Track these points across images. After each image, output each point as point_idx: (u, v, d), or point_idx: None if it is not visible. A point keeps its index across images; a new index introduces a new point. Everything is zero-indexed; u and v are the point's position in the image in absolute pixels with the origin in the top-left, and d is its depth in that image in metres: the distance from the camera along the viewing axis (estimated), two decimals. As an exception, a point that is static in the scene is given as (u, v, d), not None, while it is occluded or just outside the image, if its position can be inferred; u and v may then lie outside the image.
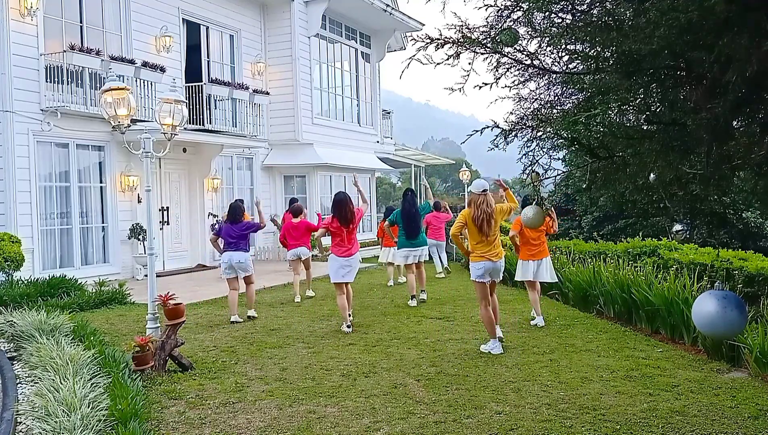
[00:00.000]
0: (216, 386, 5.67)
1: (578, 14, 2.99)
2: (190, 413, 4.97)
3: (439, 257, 13.68)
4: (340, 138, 19.33)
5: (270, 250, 17.48)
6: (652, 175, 3.18)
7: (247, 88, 16.40)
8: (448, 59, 3.04)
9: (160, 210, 14.81)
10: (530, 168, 3.39)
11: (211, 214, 15.05)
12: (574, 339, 7.25)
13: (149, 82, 13.47)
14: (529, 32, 3.09)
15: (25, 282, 10.11)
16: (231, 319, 8.66)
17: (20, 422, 4.64)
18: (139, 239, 13.38)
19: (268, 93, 17.46)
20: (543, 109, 3.34)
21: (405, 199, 10.20)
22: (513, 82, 3.25)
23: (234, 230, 8.86)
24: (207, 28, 16.22)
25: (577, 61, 3.17)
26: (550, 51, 3.17)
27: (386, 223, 10.96)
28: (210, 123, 15.36)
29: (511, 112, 3.40)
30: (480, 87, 3.15)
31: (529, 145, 3.33)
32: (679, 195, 3.40)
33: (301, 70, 17.68)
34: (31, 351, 6.22)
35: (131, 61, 13.17)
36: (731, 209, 17.10)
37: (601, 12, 2.91)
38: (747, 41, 2.42)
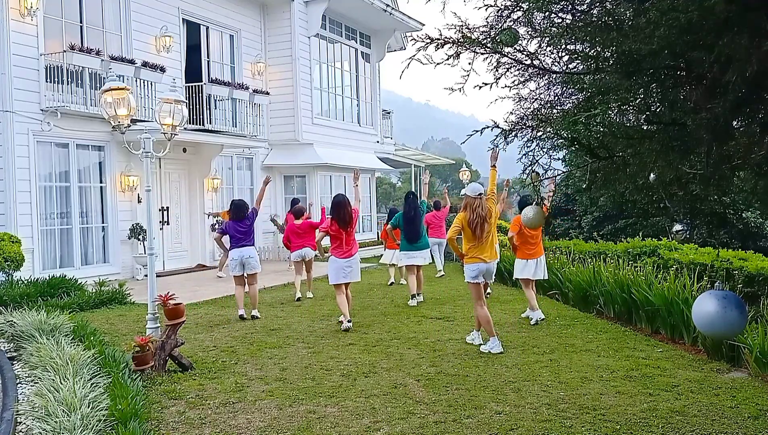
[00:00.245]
0: (216, 386, 5.67)
1: (578, 14, 2.99)
2: (190, 413, 4.97)
3: (440, 256, 13.71)
4: (340, 138, 19.33)
5: (270, 250, 17.48)
6: (652, 175, 3.18)
7: (247, 88, 16.40)
8: (448, 59, 3.04)
9: (160, 210, 14.81)
10: (530, 168, 3.39)
11: (211, 214, 15.02)
12: (574, 339, 7.25)
13: (149, 82, 13.47)
14: (529, 32, 3.09)
15: (25, 282, 10.11)
16: (239, 314, 8.80)
17: (20, 422, 4.64)
18: (139, 239, 13.38)
19: (268, 93, 17.46)
20: (543, 109, 3.34)
21: (407, 203, 10.27)
22: (513, 82, 3.25)
23: (241, 226, 9.05)
24: (207, 28, 16.22)
25: (577, 61, 3.17)
26: (550, 51, 3.17)
27: (389, 226, 11.05)
28: (210, 123, 15.36)
29: (511, 112, 3.40)
30: (480, 87, 3.15)
31: (529, 145, 3.33)
32: (679, 195, 3.40)
33: (301, 70, 17.67)
34: (31, 351, 6.22)
35: (131, 61, 13.17)
36: (731, 209, 17.09)
37: (601, 12, 2.91)
38: (747, 41, 2.42)
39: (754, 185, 3.22)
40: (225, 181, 16.53)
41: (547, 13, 3.01)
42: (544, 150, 3.38)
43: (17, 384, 5.59)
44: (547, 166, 3.42)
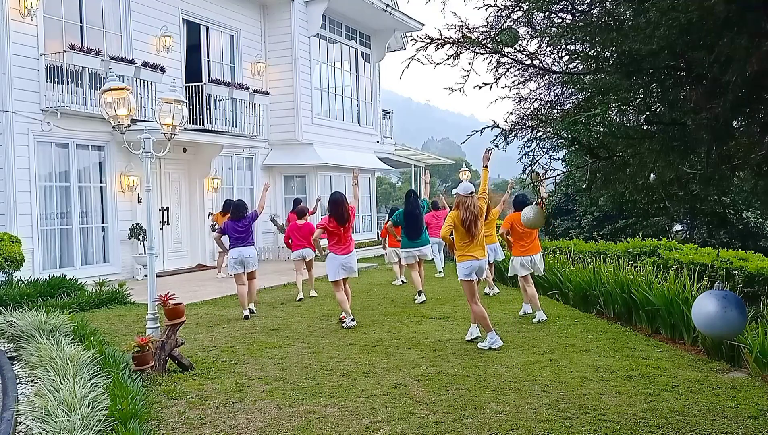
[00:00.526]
0: (216, 386, 5.67)
1: (578, 14, 2.99)
2: (190, 413, 4.97)
3: (439, 256, 13.73)
4: (340, 138, 19.33)
5: (270, 250, 17.49)
6: (652, 175, 3.18)
7: (247, 88, 16.40)
8: (448, 59, 3.04)
9: (160, 210, 14.81)
10: (530, 168, 3.39)
11: (211, 214, 15.06)
12: (574, 339, 7.25)
13: (149, 82, 13.48)
14: (529, 32, 3.09)
15: (25, 282, 10.12)
16: (244, 314, 8.86)
17: (20, 422, 4.64)
18: (139, 239, 13.38)
19: (268, 93, 17.46)
20: (543, 109, 3.34)
21: (408, 201, 10.42)
22: (513, 82, 3.25)
23: (239, 225, 9.13)
24: (207, 28, 16.22)
25: (577, 61, 3.17)
26: (550, 51, 3.17)
27: (389, 223, 11.14)
28: (210, 123, 15.36)
29: (511, 112, 3.40)
30: (480, 87, 3.15)
31: (529, 145, 3.33)
32: (679, 195, 3.40)
33: (301, 70, 17.67)
34: (31, 351, 6.22)
35: (131, 61, 13.17)
36: (731, 209, 17.08)
37: (601, 12, 2.91)
38: (747, 41, 2.42)
39: (754, 185, 3.22)
40: (225, 181, 16.53)
41: (547, 13, 3.01)
42: (544, 150, 3.38)
43: (17, 384, 5.59)
44: (547, 166, 3.43)
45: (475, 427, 4.54)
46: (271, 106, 17.57)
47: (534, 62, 3.19)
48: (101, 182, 13.35)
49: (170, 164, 15.08)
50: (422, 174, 27.02)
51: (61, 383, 4.93)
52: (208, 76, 15.92)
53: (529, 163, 3.38)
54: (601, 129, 3.17)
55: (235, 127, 16.23)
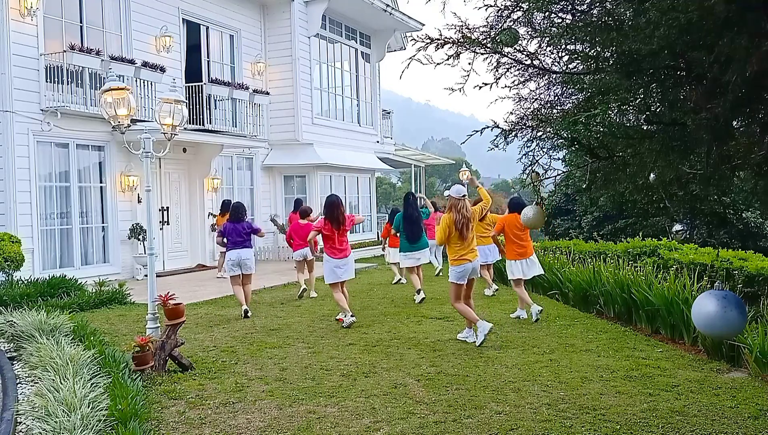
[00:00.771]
0: (216, 386, 5.68)
1: (578, 14, 2.99)
2: (190, 413, 4.97)
3: (439, 256, 13.75)
4: (340, 138, 19.33)
5: (270, 250, 17.48)
6: (652, 175, 3.18)
7: (247, 88, 16.39)
8: (448, 59, 3.04)
9: (160, 210, 14.80)
10: (530, 168, 3.39)
11: (211, 214, 15.07)
12: (574, 339, 7.25)
13: (149, 82, 13.47)
14: (529, 32, 3.09)
15: (25, 282, 10.11)
16: (243, 309, 8.99)
17: (20, 422, 4.64)
18: (139, 239, 13.38)
19: (268, 93, 17.46)
20: (543, 109, 3.34)
21: (407, 203, 10.39)
22: (513, 82, 3.25)
23: (239, 229, 9.23)
24: (207, 28, 16.22)
25: (577, 61, 3.17)
26: (550, 51, 3.17)
27: (393, 230, 11.22)
28: (210, 123, 15.35)
29: (511, 112, 3.40)
30: (480, 87, 3.15)
31: (529, 145, 3.34)
32: (679, 195, 3.40)
33: (301, 70, 17.67)
34: (31, 351, 6.22)
35: (131, 61, 13.17)
36: (731, 209, 17.09)
37: (601, 12, 2.91)
38: (747, 41, 2.42)
39: (754, 185, 3.22)
40: (225, 181, 16.53)
41: (547, 13, 3.01)
42: (544, 150, 3.38)
43: (17, 384, 5.59)
44: (547, 166, 3.43)
45: (475, 427, 4.55)
46: (271, 106, 17.56)
47: (534, 62, 3.19)
48: (101, 182, 13.35)
49: (170, 164, 15.08)
50: (422, 174, 27.01)
51: (61, 383, 4.93)
52: (208, 76, 15.92)
53: (529, 163, 3.38)
54: (601, 129, 3.17)
55: (235, 127, 16.23)
